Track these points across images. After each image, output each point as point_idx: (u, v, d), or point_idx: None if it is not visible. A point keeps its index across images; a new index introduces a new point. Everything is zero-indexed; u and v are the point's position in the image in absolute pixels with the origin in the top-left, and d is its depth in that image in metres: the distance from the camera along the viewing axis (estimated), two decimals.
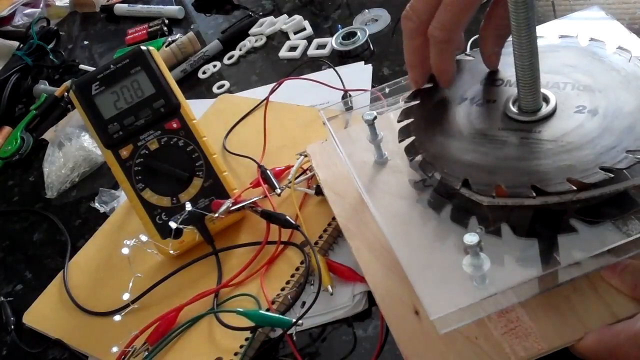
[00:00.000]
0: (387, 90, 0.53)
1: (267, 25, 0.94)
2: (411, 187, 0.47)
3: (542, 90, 0.43)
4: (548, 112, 0.43)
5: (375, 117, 0.49)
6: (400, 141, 0.47)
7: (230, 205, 0.59)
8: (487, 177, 0.40)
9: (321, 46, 0.85)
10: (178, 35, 1.02)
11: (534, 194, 0.38)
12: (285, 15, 0.95)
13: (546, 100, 0.43)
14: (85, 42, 1.20)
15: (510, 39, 0.42)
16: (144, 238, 0.60)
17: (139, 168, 0.62)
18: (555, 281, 0.38)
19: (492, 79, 0.48)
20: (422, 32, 0.44)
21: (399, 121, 0.48)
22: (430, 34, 0.43)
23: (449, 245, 0.42)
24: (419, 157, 0.44)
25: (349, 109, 0.62)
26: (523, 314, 0.40)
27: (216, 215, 0.58)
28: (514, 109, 0.44)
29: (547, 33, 0.50)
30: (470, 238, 0.37)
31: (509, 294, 0.38)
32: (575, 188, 0.37)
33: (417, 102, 0.49)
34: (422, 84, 0.49)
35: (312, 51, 0.85)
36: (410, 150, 0.46)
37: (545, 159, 0.40)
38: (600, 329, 0.38)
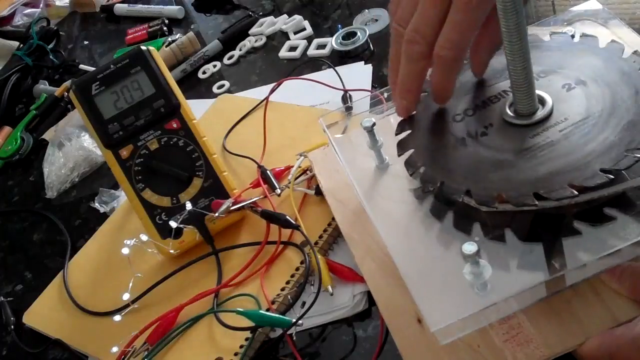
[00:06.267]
0: (386, 95, 0.53)
1: (267, 25, 0.94)
2: (412, 193, 0.47)
3: (538, 92, 0.43)
4: (545, 114, 0.42)
5: (374, 124, 0.48)
6: (399, 155, 0.47)
7: (230, 205, 0.59)
8: (488, 185, 0.40)
9: (321, 46, 0.85)
10: (178, 35, 1.02)
11: (536, 202, 0.38)
12: (285, 15, 0.95)
13: (542, 102, 0.43)
14: (85, 42, 1.20)
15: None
16: (144, 238, 0.60)
17: (139, 168, 0.62)
18: (556, 287, 0.38)
19: (487, 84, 0.48)
20: (428, 54, 0.43)
21: (396, 134, 0.48)
22: (438, 55, 0.42)
23: (450, 253, 0.42)
24: (419, 170, 0.44)
25: (349, 109, 0.62)
26: (524, 320, 0.40)
27: (216, 215, 0.58)
28: (510, 113, 0.44)
29: (545, 30, 0.49)
30: (469, 247, 0.36)
31: (511, 301, 0.38)
32: (576, 193, 0.37)
33: (414, 113, 0.49)
34: (412, 111, 0.48)
35: (312, 51, 0.85)
36: (410, 164, 0.45)
37: (544, 163, 0.40)
38: (600, 333, 0.38)
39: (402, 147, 0.47)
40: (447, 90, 0.45)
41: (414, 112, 0.48)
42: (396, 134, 0.48)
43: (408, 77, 0.45)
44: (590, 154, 0.39)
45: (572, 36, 0.49)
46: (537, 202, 0.38)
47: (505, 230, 0.41)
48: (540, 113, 0.43)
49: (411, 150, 0.46)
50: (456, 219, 0.43)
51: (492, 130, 0.44)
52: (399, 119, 0.49)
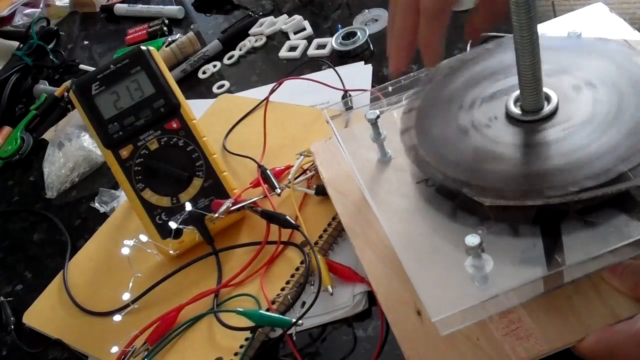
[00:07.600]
0: (390, 89, 0.53)
1: (267, 25, 0.94)
2: (414, 186, 0.47)
3: (544, 89, 0.43)
4: (550, 111, 0.43)
5: (378, 116, 0.49)
6: (402, 141, 0.47)
7: (230, 205, 0.59)
8: (491, 179, 0.40)
9: (321, 46, 0.85)
10: (178, 35, 1.02)
11: (539, 198, 0.38)
12: (285, 15, 0.95)
13: (548, 99, 0.43)
14: (85, 42, 1.20)
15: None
16: (144, 238, 0.60)
17: (139, 168, 0.62)
18: (557, 282, 0.38)
19: (494, 79, 0.48)
20: (416, 8, 0.42)
21: (401, 120, 0.48)
22: (423, 7, 0.42)
23: (452, 245, 0.42)
24: (420, 158, 0.44)
25: (348, 108, 0.62)
26: (524, 315, 0.40)
27: (216, 215, 0.58)
28: (516, 109, 0.44)
29: (550, 30, 0.49)
30: (472, 239, 0.36)
31: (511, 295, 0.38)
32: (579, 190, 0.37)
33: (420, 101, 0.49)
34: (403, 68, 0.46)
35: (312, 51, 0.85)
36: (412, 151, 0.46)
37: (547, 159, 0.40)
38: (600, 329, 0.38)
39: (406, 138, 0.47)
40: (433, 49, 0.44)
41: (419, 104, 0.48)
42: (400, 120, 0.48)
43: (400, 31, 0.45)
44: (594, 154, 0.39)
45: (579, 36, 0.49)
46: (540, 198, 0.38)
47: (507, 224, 0.41)
48: (546, 110, 0.43)
49: (415, 142, 0.46)
50: (458, 212, 0.43)
51: (496, 124, 0.44)
52: (402, 113, 0.49)
